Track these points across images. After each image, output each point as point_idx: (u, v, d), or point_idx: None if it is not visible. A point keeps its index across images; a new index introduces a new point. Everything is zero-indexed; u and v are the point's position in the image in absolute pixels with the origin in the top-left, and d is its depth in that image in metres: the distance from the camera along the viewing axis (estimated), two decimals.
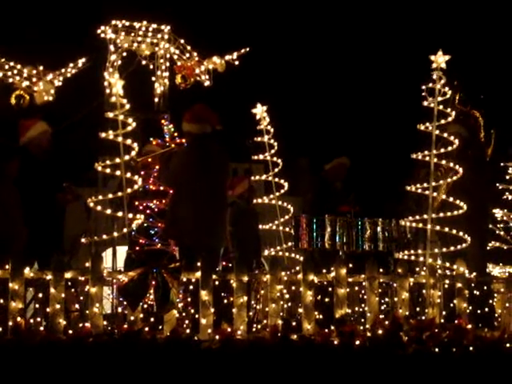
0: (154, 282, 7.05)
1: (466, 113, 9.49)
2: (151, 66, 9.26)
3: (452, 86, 8.48)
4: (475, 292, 7.95)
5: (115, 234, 8.16)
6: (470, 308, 7.73)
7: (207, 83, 9.28)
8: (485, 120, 9.53)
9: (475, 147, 9.11)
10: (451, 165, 8.40)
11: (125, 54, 9.11)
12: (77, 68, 9.10)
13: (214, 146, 8.05)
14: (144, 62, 9.19)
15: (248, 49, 9.26)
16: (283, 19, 14.98)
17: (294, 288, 7.65)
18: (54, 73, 9.01)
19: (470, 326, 7.29)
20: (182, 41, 9.29)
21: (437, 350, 6.93)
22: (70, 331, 6.81)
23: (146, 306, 7.20)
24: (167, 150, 8.52)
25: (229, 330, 6.94)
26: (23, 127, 8.55)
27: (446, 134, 8.40)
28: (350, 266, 7.69)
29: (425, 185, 8.37)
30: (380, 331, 7.04)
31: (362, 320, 7.68)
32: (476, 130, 9.29)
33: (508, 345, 7.13)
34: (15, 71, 8.95)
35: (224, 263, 9.61)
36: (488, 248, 9.85)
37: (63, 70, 9.06)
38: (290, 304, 7.68)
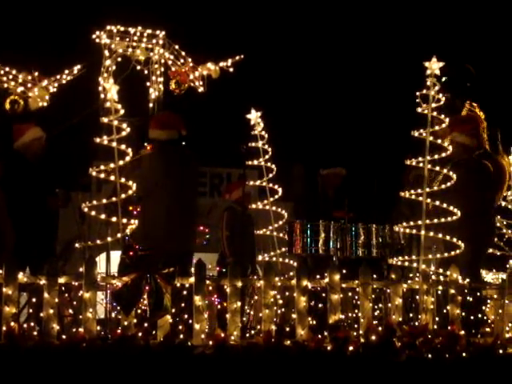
0: (147, 287, 7.06)
1: (469, 116, 9.52)
2: (146, 72, 9.26)
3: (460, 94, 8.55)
4: (468, 298, 7.97)
5: (109, 238, 8.16)
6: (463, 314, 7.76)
7: (201, 89, 9.28)
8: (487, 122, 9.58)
9: (480, 153, 9.12)
10: (444, 171, 8.42)
11: (119, 59, 9.12)
12: (72, 75, 9.11)
13: (182, 152, 8.22)
14: (139, 67, 9.18)
15: (243, 56, 9.27)
16: (278, 25, 14.99)
17: (287, 293, 7.66)
18: (49, 79, 9.01)
19: (462, 332, 7.32)
20: (177, 46, 9.29)
21: (430, 356, 6.95)
22: (64, 336, 6.81)
23: (139, 311, 7.20)
24: (137, 156, 8.52)
25: (222, 335, 6.95)
26: (17, 132, 8.57)
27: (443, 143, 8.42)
28: (344, 271, 7.71)
29: (419, 190, 8.38)
30: (373, 337, 7.05)
31: (356, 326, 7.69)
32: (479, 133, 9.28)
33: (501, 351, 7.15)
34: (10, 76, 8.96)
35: (218, 268, 9.64)
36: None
37: (58, 77, 9.06)
38: (283, 309, 7.68)
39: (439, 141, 8.40)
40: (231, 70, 9.27)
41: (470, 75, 10.03)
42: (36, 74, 8.99)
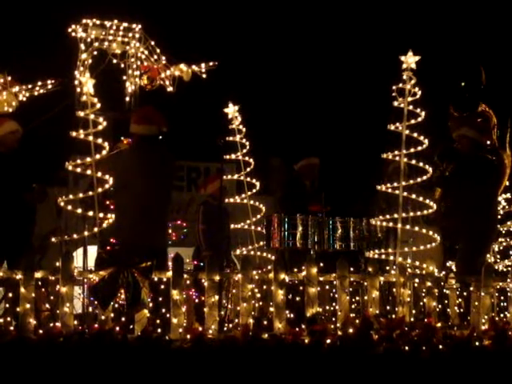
0: (124, 282, 7.05)
1: (477, 113, 9.54)
2: (122, 65, 9.20)
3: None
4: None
5: (86, 233, 8.15)
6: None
7: (170, 89, 9.22)
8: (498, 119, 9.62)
9: (488, 149, 9.15)
10: (420, 164, 8.47)
11: (95, 52, 9.06)
12: (46, 89, 9.03)
13: (160, 149, 8.18)
14: (115, 61, 9.13)
15: (217, 63, 9.20)
16: (256, 20, 15.02)
17: (265, 287, 7.67)
18: (20, 86, 8.93)
19: (439, 325, 7.37)
20: (153, 42, 9.22)
21: (407, 348, 6.99)
22: (41, 331, 6.79)
23: (116, 305, 7.19)
24: (115, 151, 8.47)
25: (200, 329, 6.95)
26: None
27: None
28: (321, 265, 7.74)
29: (395, 184, 8.43)
30: (351, 330, 7.08)
31: (333, 319, 7.72)
32: (486, 130, 9.30)
33: (477, 343, 7.20)
34: None
35: (195, 262, 9.64)
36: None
37: (30, 86, 8.98)
38: (261, 303, 7.70)
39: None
40: (204, 76, 9.20)
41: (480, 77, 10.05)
42: (9, 78, 8.90)
